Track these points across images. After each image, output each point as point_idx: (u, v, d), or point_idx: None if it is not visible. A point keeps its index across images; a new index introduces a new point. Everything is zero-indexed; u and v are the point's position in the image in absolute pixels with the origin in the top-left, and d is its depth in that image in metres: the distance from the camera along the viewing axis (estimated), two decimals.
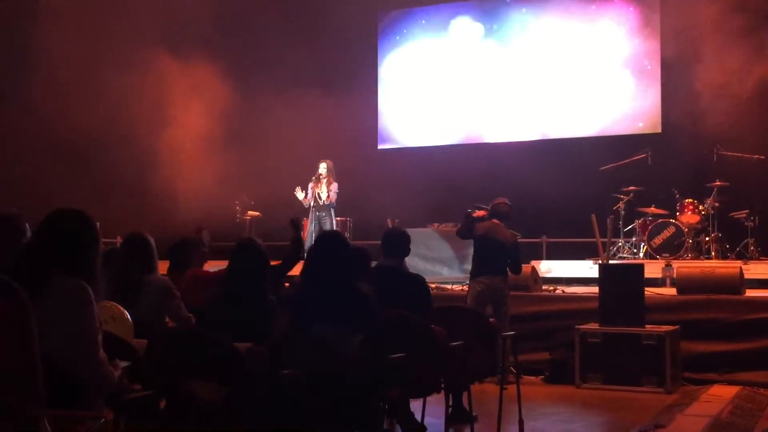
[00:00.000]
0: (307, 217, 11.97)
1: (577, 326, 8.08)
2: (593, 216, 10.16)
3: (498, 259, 7.98)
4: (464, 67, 14.22)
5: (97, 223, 3.33)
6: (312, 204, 11.68)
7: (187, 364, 3.76)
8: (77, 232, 3.20)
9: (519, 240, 8.52)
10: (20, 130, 12.02)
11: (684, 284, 8.75)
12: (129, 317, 4.07)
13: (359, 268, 4.71)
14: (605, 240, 10.38)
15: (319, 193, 11.67)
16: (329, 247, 4.35)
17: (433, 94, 14.47)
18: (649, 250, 10.99)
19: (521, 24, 13.89)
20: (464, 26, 14.35)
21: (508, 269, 8.01)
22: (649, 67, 12.99)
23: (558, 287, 9.95)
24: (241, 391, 3.57)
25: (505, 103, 13.92)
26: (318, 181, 11.72)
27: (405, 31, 14.90)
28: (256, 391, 3.58)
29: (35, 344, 2.11)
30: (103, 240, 3.44)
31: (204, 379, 3.66)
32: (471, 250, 8.48)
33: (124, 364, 3.30)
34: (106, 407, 3.08)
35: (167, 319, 5.03)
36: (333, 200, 11.58)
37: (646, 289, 8.30)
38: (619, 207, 11.50)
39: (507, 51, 13.93)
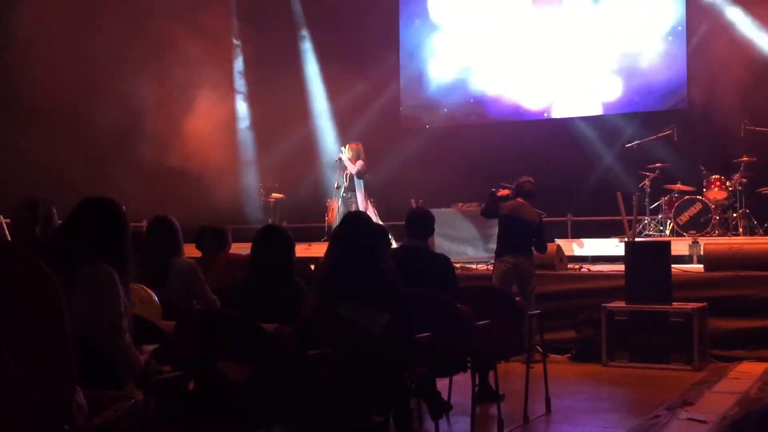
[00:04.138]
0: (333, 198, 11.96)
1: (603, 304, 8.05)
2: (618, 194, 10.10)
3: (523, 238, 7.95)
4: (487, 44, 14.10)
5: (124, 208, 3.37)
6: (336, 185, 11.67)
7: (214, 345, 3.79)
8: (106, 220, 3.26)
9: (544, 219, 8.49)
10: (46, 119, 12.11)
11: (711, 261, 8.68)
12: (157, 300, 4.10)
13: (383, 247, 4.71)
14: (631, 218, 10.31)
15: (345, 175, 11.64)
16: (354, 227, 4.36)
17: (456, 72, 14.38)
18: (675, 227, 10.90)
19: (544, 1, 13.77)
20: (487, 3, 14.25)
21: (533, 248, 7.99)
22: (674, 42, 12.84)
23: (584, 266, 9.90)
24: (268, 371, 3.59)
25: (529, 80, 13.81)
26: (342, 163, 11.70)
27: (425, 8, 14.81)
28: (284, 371, 3.61)
29: (67, 326, 2.13)
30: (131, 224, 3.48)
31: (232, 360, 3.69)
32: (495, 230, 8.46)
33: (153, 347, 3.34)
34: (136, 388, 3.12)
35: (194, 302, 5.07)
36: (363, 171, 11.49)
37: (672, 266, 8.24)
38: (645, 184, 11.40)
39: (529, 28, 13.79)
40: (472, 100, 14.24)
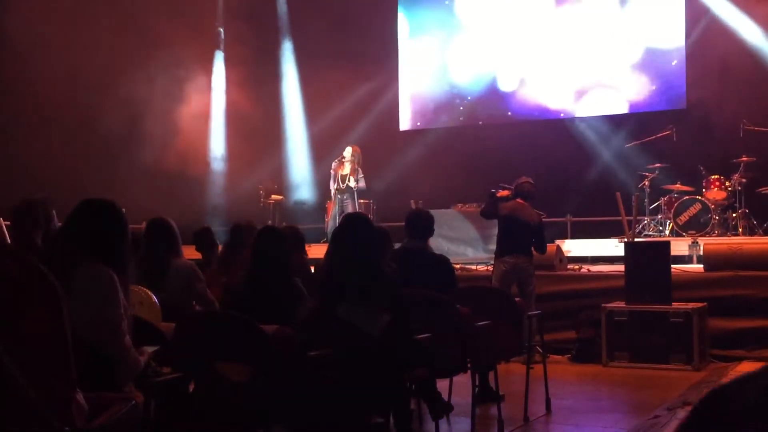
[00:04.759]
0: (330, 199, 11.99)
1: (603, 305, 8.05)
2: (618, 194, 10.10)
3: (523, 239, 7.95)
4: (485, 44, 14.10)
5: (123, 210, 3.37)
6: (335, 186, 11.68)
7: (214, 346, 3.79)
8: (106, 222, 3.25)
9: (543, 219, 8.49)
10: (43, 121, 12.11)
11: (711, 261, 8.68)
12: (156, 301, 4.10)
13: (383, 249, 4.72)
14: (630, 218, 10.31)
15: (341, 176, 11.65)
16: (354, 228, 4.35)
17: (454, 72, 14.38)
18: (675, 227, 10.90)
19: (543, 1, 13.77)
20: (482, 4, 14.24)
21: (533, 249, 7.99)
22: (673, 42, 12.83)
23: (583, 266, 9.90)
24: (268, 372, 3.59)
25: (527, 81, 13.81)
26: (341, 164, 11.70)
27: (424, 10, 14.80)
28: (284, 371, 3.60)
29: (66, 328, 2.13)
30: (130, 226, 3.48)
31: (232, 361, 3.69)
32: (495, 231, 8.46)
33: (152, 348, 3.34)
34: (136, 390, 3.12)
35: (193, 303, 5.07)
36: (362, 186, 11.57)
37: (672, 266, 8.24)
38: (645, 184, 11.40)
39: (528, 26, 13.79)
40: (486, 100, 14.20)
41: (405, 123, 14.88)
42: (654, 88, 12.96)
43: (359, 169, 11.64)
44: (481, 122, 14.12)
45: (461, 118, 14.38)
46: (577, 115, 13.47)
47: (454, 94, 14.41)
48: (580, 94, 13.46)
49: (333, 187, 11.74)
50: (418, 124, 14.77)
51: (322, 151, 14.20)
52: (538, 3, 13.78)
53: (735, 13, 12.20)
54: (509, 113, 13.92)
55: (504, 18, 13.99)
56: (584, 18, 13.39)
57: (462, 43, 14.31)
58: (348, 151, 11.71)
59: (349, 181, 11.58)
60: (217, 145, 15.10)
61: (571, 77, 13.48)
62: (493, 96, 14.04)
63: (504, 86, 13.96)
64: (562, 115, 13.58)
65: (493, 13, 14.09)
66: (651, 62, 12.95)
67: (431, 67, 14.61)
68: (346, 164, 11.69)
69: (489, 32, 14.07)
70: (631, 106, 13.12)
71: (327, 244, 4.75)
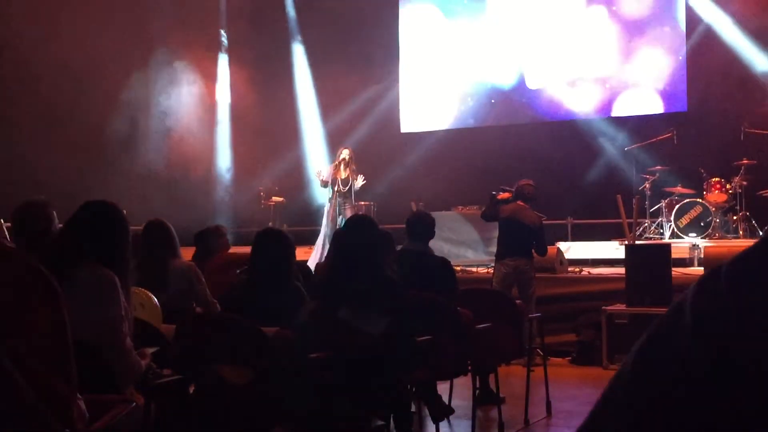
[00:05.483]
0: (328, 201, 11.90)
1: (603, 307, 8.04)
2: (618, 196, 10.10)
3: (523, 241, 7.95)
4: (485, 47, 14.10)
5: (125, 212, 3.38)
6: (335, 189, 11.60)
7: (215, 348, 3.79)
8: (107, 224, 3.26)
9: (544, 222, 8.49)
10: (47, 124, 12.11)
11: (712, 264, 8.63)
12: (157, 303, 4.10)
13: (386, 252, 4.71)
14: (631, 220, 10.31)
15: (341, 179, 11.57)
16: (358, 230, 4.36)
17: (455, 75, 14.37)
18: (675, 230, 10.89)
19: (542, 3, 13.76)
20: (490, 6, 14.24)
21: (533, 251, 7.99)
22: (674, 45, 12.84)
23: (584, 269, 9.90)
24: (268, 374, 3.59)
25: (527, 82, 13.82)
26: (338, 167, 11.62)
27: (426, 13, 14.80)
28: (283, 374, 3.60)
29: (67, 329, 2.13)
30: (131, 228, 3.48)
31: (232, 364, 3.69)
32: (496, 233, 8.46)
33: (152, 349, 3.34)
34: (137, 392, 3.11)
35: (193, 304, 5.07)
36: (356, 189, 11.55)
37: (673, 269, 8.24)
38: (645, 187, 11.39)
39: (526, 29, 13.79)
40: (488, 101, 14.20)
41: (406, 125, 14.87)
42: (655, 90, 12.95)
43: (355, 169, 11.60)
44: (482, 123, 14.13)
45: (464, 120, 14.37)
46: (578, 117, 13.46)
47: (458, 95, 14.41)
48: (581, 95, 13.45)
49: (333, 189, 11.64)
50: (419, 126, 14.76)
51: (322, 154, 14.23)
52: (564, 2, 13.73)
53: (729, 22, 12.20)
54: (530, 113, 13.81)
55: (502, 18, 14.00)
56: (587, 19, 13.40)
57: (485, 41, 14.22)
58: (346, 153, 11.63)
59: (354, 182, 11.50)
60: (223, 146, 15.10)
61: (571, 78, 13.48)
62: (500, 97, 14.04)
63: (515, 86, 13.96)
64: (573, 116, 13.55)
65: (487, 16, 14.10)
66: (652, 64, 12.95)
67: (439, 67, 14.57)
68: (344, 167, 11.60)
69: (491, 35, 14.09)
70: (632, 108, 13.11)
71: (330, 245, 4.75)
